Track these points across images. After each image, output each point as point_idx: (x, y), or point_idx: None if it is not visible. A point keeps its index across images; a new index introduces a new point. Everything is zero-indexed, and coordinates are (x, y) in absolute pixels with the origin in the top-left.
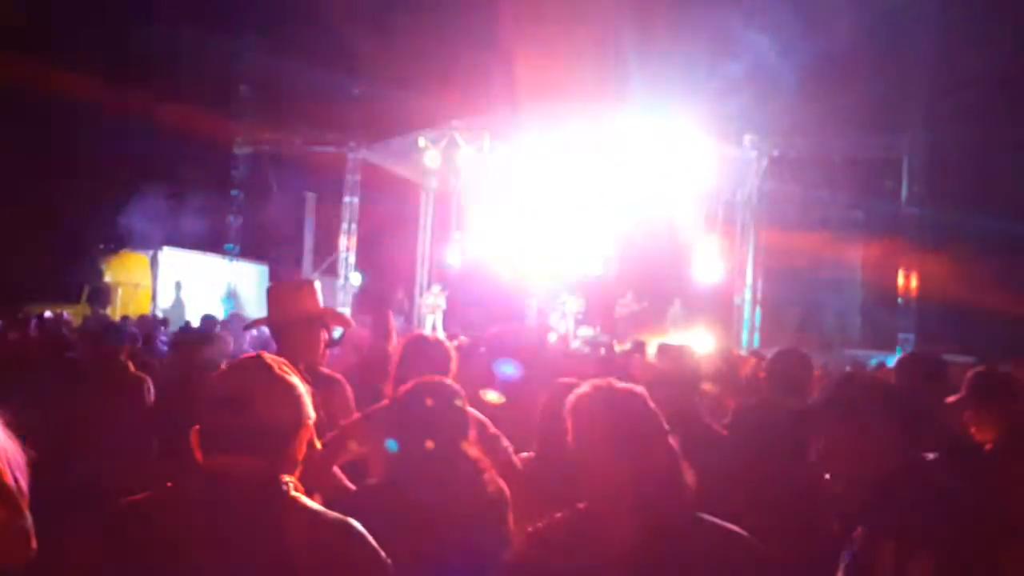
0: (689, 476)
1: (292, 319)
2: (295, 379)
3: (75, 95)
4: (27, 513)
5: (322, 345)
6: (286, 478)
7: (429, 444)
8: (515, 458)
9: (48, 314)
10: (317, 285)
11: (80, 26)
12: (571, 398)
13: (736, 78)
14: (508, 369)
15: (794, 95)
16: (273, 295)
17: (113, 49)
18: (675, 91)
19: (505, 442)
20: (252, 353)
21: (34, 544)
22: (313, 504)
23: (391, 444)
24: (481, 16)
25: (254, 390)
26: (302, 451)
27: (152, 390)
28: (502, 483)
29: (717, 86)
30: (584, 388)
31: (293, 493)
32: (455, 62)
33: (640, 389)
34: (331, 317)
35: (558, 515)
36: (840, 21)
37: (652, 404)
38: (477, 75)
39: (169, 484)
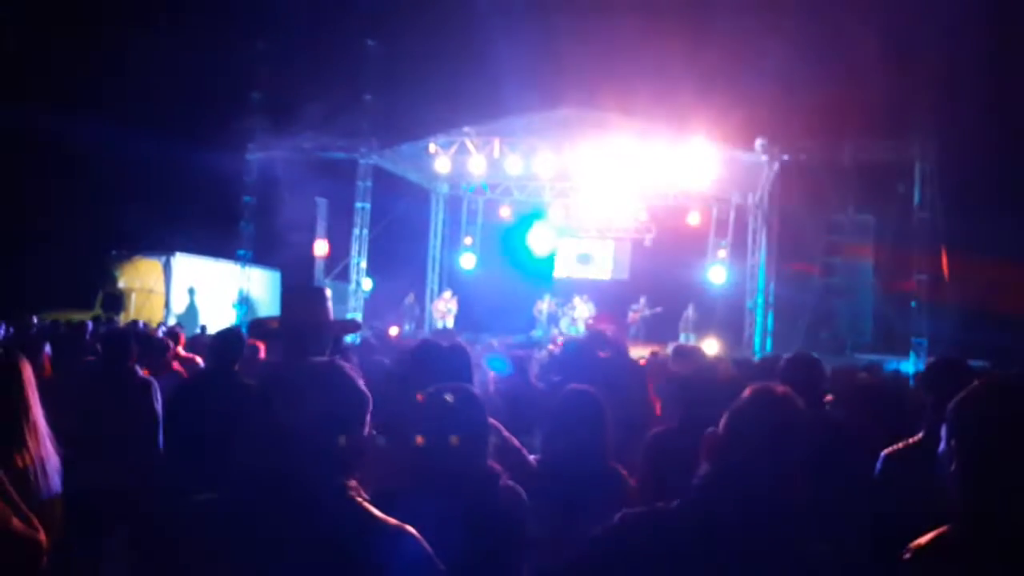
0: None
1: (303, 324)
2: (360, 384)
3: (86, 101)
4: (39, 525)
5: (329, 351)
6: (349, 483)
7: (454, 440)
8: (530, 459)
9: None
10: (328, 293)
11: (89, 31)
12: (748, 394)
13: (747, 83)
14: (499, 365)
15: (805, 99)
16: (286, 300)
17: (124, 56)
18: (686, 96)
19: (516, 443)
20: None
21: (44, 559)
22: (373, 509)
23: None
24: (492, 22)
25: (322, 395)
26: (359, 455)
27: (159, 394)
28: (519, 488)
29: (728, 90)
30: (765, 388)
31: (356, 497)
32: (466, 68)
33: (800, 401)
34: (340, 326)
35: (672, 503)
36: (851, 26)
37: (808, 432)
38: (488, 81)
39: (230, 486)
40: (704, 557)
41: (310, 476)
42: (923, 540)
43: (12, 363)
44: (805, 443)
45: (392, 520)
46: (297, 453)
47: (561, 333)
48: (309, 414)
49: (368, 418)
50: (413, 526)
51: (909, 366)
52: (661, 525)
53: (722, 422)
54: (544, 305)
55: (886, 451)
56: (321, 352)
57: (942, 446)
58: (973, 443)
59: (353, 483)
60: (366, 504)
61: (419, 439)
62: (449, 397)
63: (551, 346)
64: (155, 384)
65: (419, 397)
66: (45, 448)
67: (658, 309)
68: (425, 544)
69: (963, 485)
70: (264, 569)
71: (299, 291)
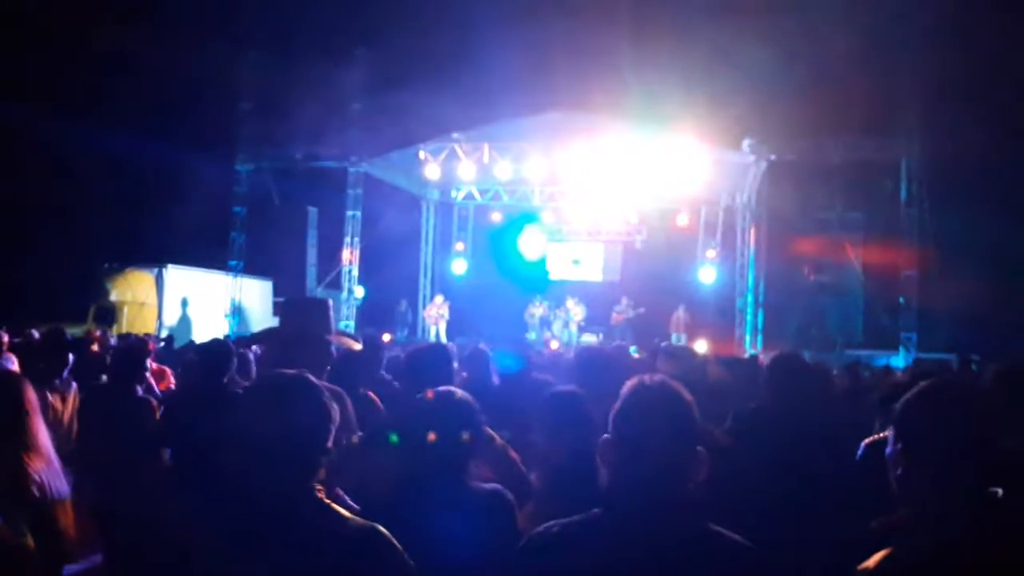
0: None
1: (303, 335)
2: (324, 391)
3: (76, 114)
4: (27, 531)
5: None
6: (317, 485)
7: (465, 436)
8: (522, 468)
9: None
10: (331, 303)
11: (79, 43)
12: (625, 392)
13: (734, 83)
14: (507, 361)
15: (792, 99)
16: (287, 310)
17: (115, 67)
18: (674, 97)
19: (513, 454)
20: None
21: (32, 565)
22: (342, 510)
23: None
24: (479, 28)
25: (287, 403)
26: (326, 459)
27: (158, 410)
28: (509, 495)
29: (715, 91)
30: (638, 383)
31: (324, 499)
32: (454, 73)
33: (687, 395)
34: (340, 338)
35: (575, 517)
36: (837, 25)
37: (694, 410)
38: (476, 86)
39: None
40: (615, 566)
41: (280, 482)
42: (870, 563)
43: (12, 380)
44: (690, 427)
45: (360, 519)
46: (265, 460)
47: (554, 336)
48: (276, 424)
49: (333, 428)
50: (406, 533)
51: (899, 360)
52: (567, 542)
53: (609, 426)
54: (536, 309)
55: (867, 440)
56: (320, 362)
57: (888, 449)
58: (916, 447)
59: (319, 486)
60: (334, 505)
61: (431, 435)
62: (441, 403)
63: (540, 349)
64: (153, 402)
65: (428, 395)
66: (50, 463)
67: (641, 310)
68: (395, 542)
69: (907, 492)
70: (239, 570)
71: (299, 303)
